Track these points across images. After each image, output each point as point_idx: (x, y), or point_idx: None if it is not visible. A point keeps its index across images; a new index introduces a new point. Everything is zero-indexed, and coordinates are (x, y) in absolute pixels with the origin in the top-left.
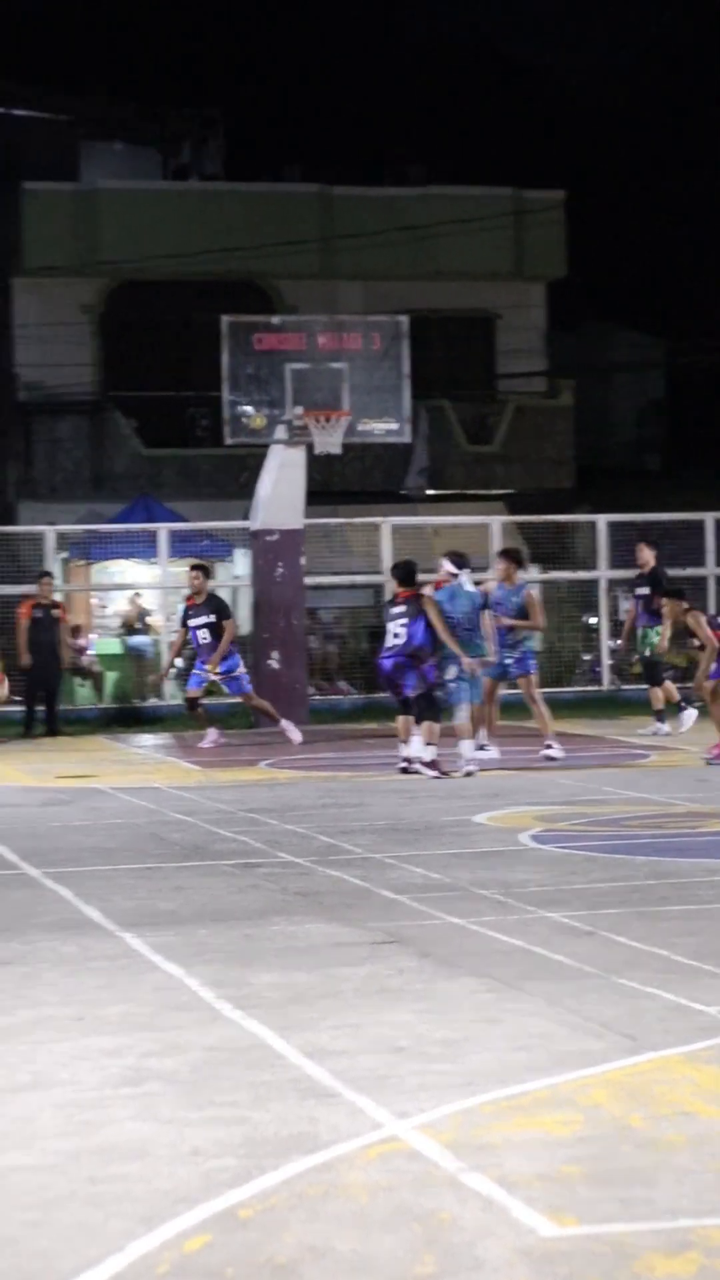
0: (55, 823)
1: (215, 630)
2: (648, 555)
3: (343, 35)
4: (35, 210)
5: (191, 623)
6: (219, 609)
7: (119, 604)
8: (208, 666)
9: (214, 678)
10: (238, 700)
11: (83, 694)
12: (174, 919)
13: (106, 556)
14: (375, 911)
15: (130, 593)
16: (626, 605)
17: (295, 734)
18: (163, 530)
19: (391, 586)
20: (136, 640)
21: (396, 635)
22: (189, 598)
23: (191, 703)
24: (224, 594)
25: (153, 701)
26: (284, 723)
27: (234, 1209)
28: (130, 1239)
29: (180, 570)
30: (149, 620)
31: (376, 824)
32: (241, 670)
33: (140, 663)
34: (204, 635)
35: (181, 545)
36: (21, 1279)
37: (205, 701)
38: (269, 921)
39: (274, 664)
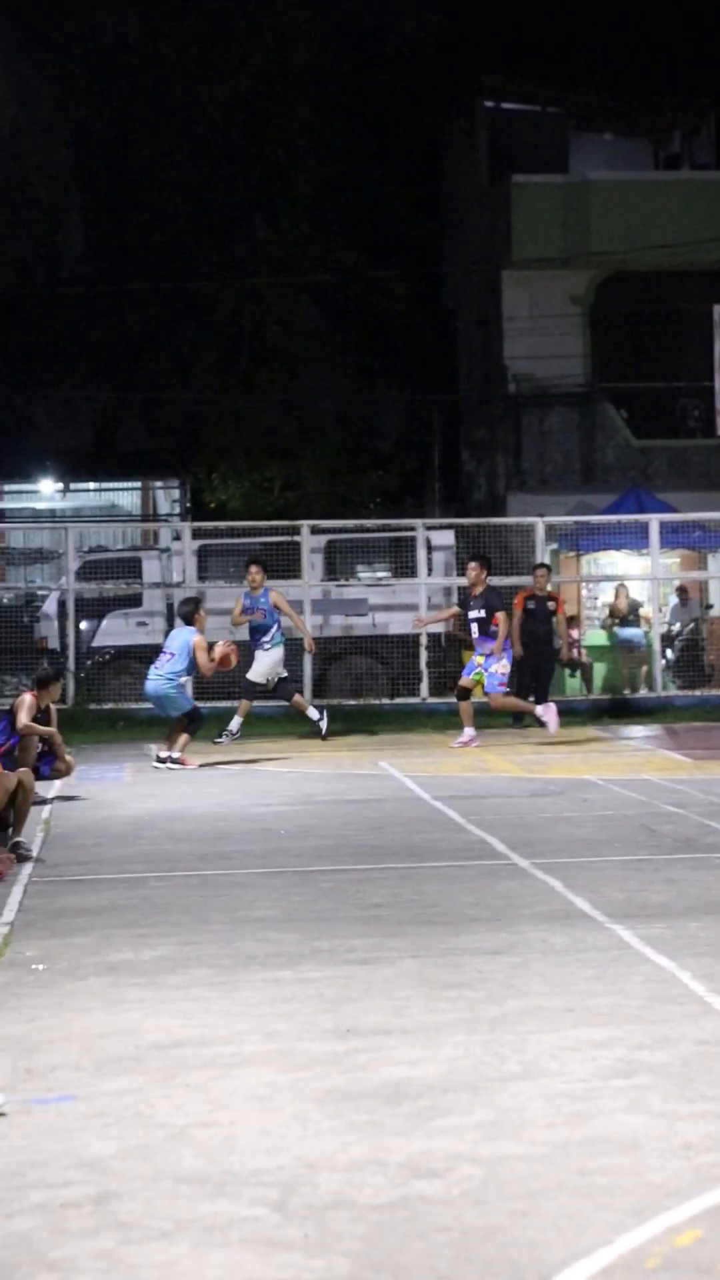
0: (545, 814)
1: (483, 625)
2: None
3: None
4: (525, 203)
5: (470, 615)
6: (490, 603)
7: (607, 595)
8: (477, 659)
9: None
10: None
11: (572, 685)
12: (665, 911)
13: (596, 548)
14: None
15: (617, 584)
16: None
17: (553, 722)
18: (654, 521)
19: None
20: (628, 632)
21: None
22: (470, 589)
23: (463, 692)
24: (716, 585)
25: (643, 693)
26: (539, 709)
27: None
28: (619, 1232)
29: (672, 562)
30: (641, 612)
31: None
32: (500, 670)
33: (631, 655)
34: (475, 629)
35: (673, 536)
36: (509, 1268)
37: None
38: None
39: None
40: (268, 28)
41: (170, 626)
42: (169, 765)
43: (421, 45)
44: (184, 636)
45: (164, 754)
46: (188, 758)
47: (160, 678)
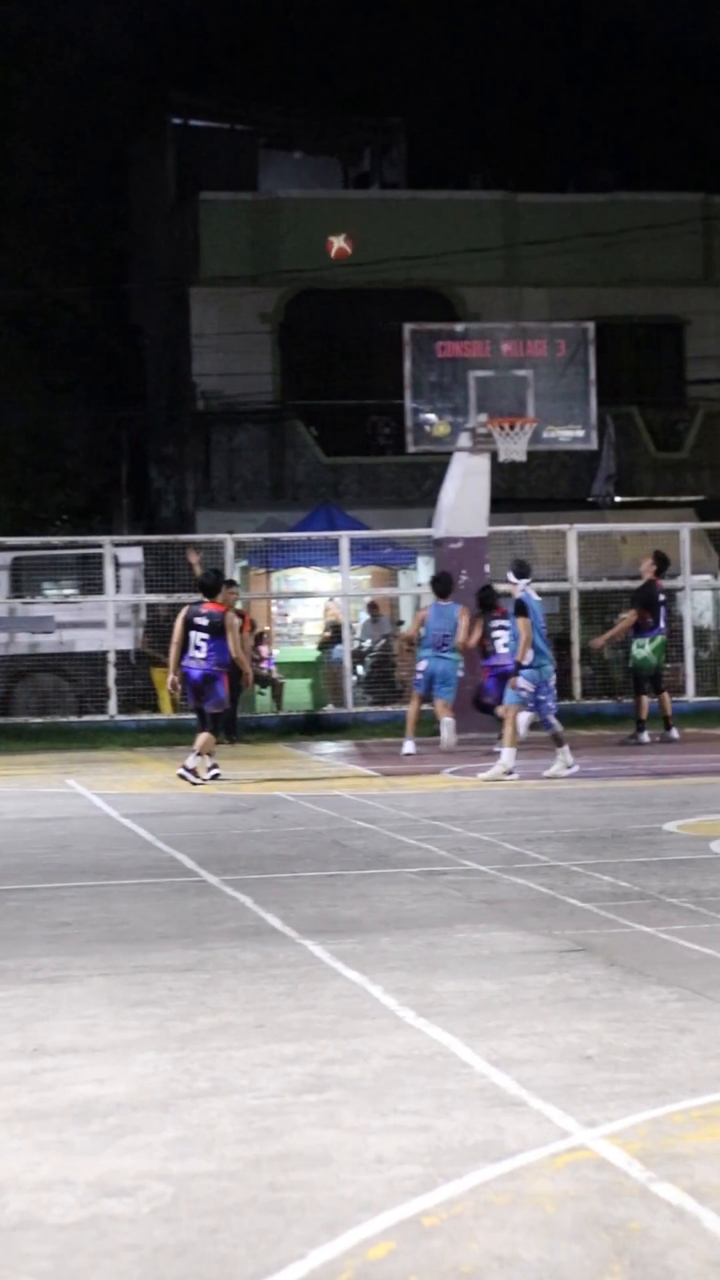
0: (235, 830)
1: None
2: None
3: (525, 41)
4: (213, 220)
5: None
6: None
7: (298, 612)
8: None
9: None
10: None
11: (263, 702)
12: (356, 927)
13: (286, 565)
14: (562, 919)
15: (326, 600)
16: None
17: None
18: (344, 538)
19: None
20: (338, 649)
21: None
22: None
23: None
24: (407, 602)
25: (331, 709)
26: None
27: (418, 1217)
28: (312, 1246)
29: (363, 578)
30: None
31: (563, 832)
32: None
33: (333, 670)
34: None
35: (363, 553)
36: None
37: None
38: (453, 929)
39: (460, 673)
40: None
41: None
42: None
43: (110, 61)
44: None
45: None
46: None
47: None
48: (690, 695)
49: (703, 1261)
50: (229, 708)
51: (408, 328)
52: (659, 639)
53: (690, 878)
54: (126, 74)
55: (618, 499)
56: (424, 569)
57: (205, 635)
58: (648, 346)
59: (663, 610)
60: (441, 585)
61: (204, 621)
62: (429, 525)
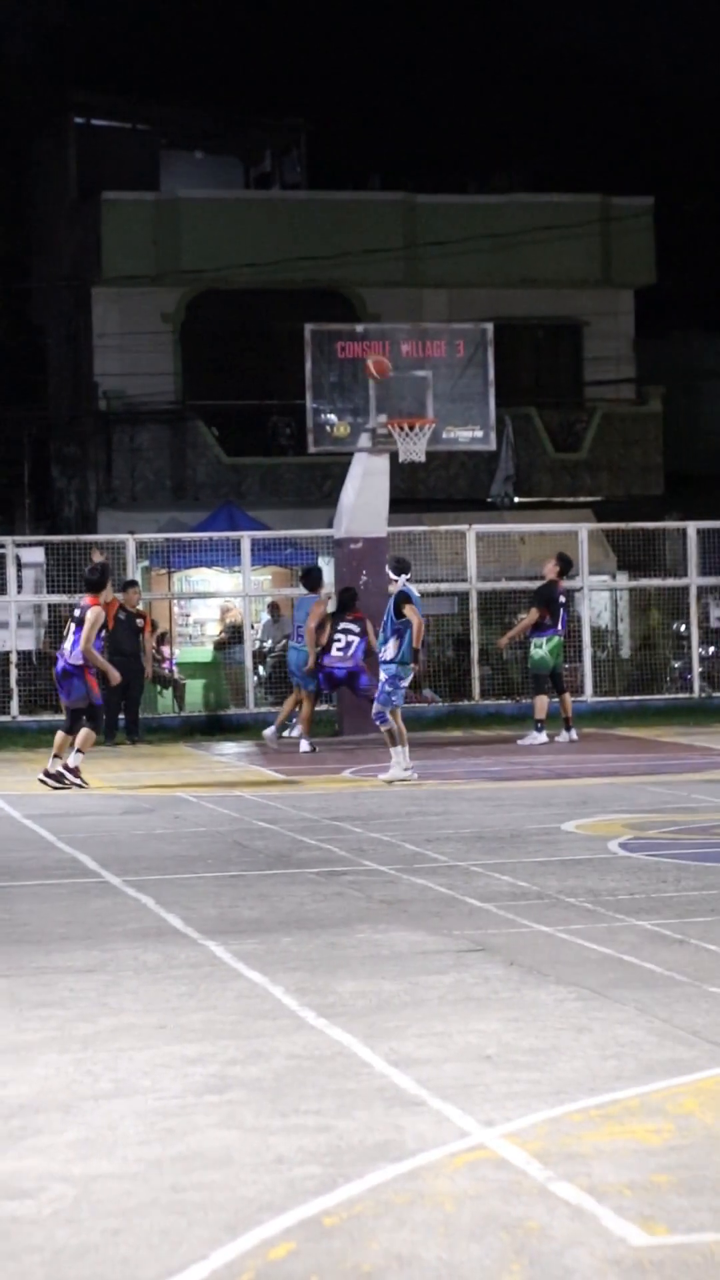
0: (137, 831)
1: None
2: None
3: (424, 42)
4: (115, 220)
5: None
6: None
7: (200, 613)
8: None
9: None
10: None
11: (163, 703)
12: (257, 927)
13: (188, 565)
14: (461, 919)
15: (223, 601)
16: (718, 612)
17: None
18: (245, 538)
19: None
20: (238, 650)
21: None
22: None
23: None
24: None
25: (233, 710)
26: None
27: (319, 1217)
28: (214, 1247)
29: (264, 579)
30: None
31: (463, 832)
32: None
33: (234, 670)
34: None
35: (264, 554)
36: None
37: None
38: (354, 929)
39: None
40: None
41: None
42: None
43: (9, 60)
44: None
45: None
46: None
47: None
48: (588, 695)
49: (600, 1259)
50: (96, 705)
51: (309, 328)
52: (555, 639)
53: (588, 877)
54: (27, 73)
55: (516, 499)
56: (325, 569)
57: (75, 629)
58: (546, 347)
59: (562, 611)
60: (310, 579)
61: (77, 614)
62: (330, 526)
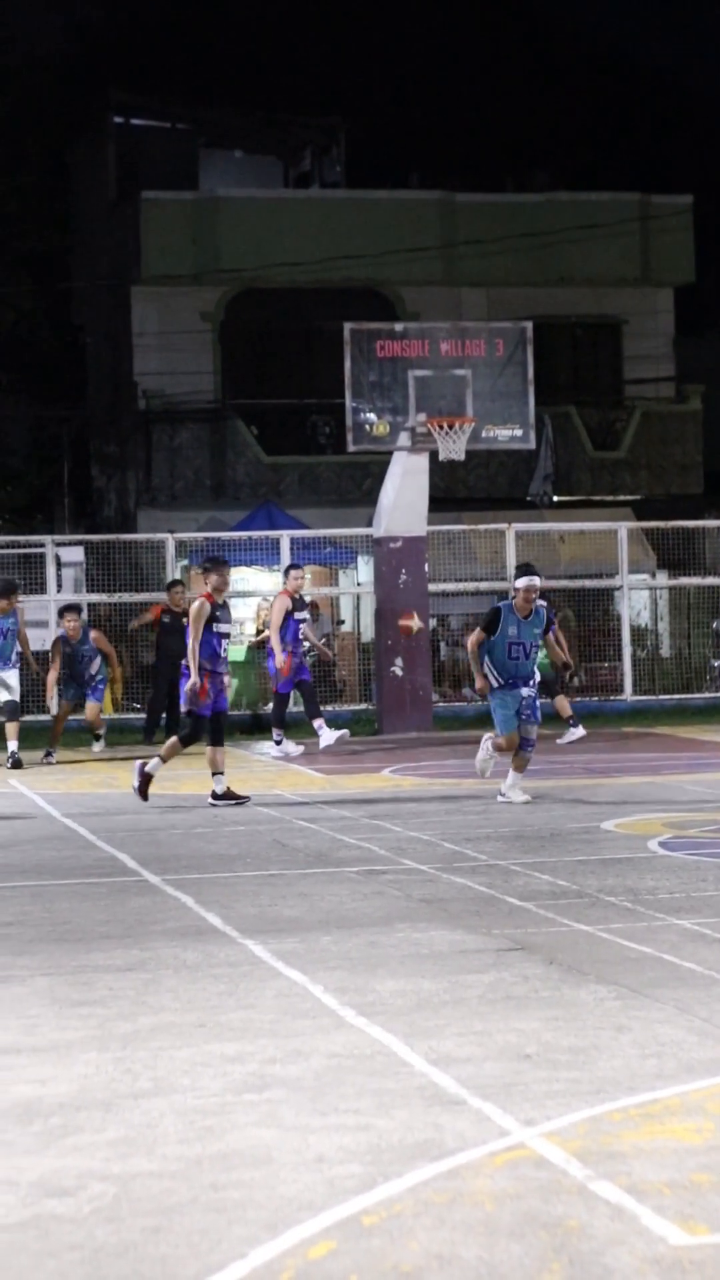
0: (176, 830)
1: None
2: None
3: (464, 41)
4: (154, 219)
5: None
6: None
7: (242, 610)
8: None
9: None
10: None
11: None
12: (297, 926)
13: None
14: (501, 918)
15: (261, 600)
16: None
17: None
18: (285, 537)
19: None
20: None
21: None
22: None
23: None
24: (347, 601)
25: (265, 709)
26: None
27: (358, 1216)
28: (253, 1245)
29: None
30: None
31: (502, 831)
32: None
33: (264, 671)
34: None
35: (304, 552)
36: None
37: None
38: (393, 928)
39: (398, 671)
40: None
41: None
42: None
43: (50, 60)
44: None
45: None
46: None
47: None
48: (628, 694)
49: (640, 1259)
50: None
51: (348, 327)
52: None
53: (628, 876)
54: (67, 73)
55: (555, 498)
56: (364, 568)
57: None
58: (585, 346)
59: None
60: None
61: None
62: (369, 524)
